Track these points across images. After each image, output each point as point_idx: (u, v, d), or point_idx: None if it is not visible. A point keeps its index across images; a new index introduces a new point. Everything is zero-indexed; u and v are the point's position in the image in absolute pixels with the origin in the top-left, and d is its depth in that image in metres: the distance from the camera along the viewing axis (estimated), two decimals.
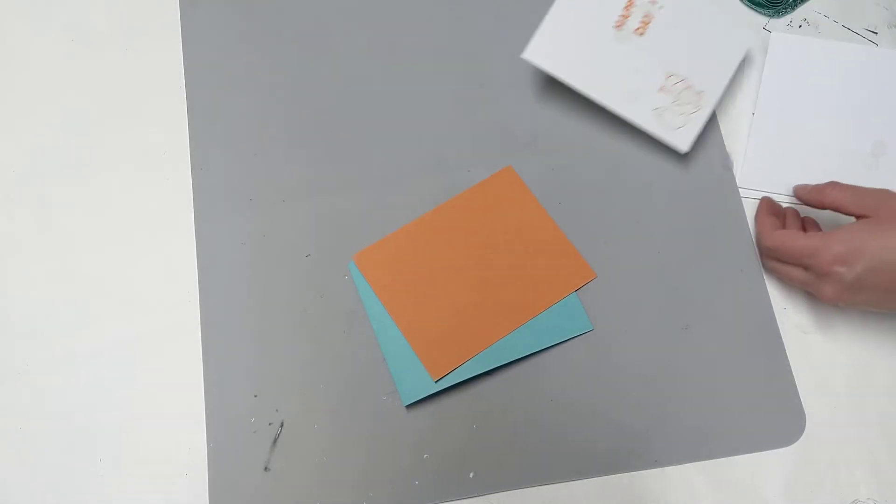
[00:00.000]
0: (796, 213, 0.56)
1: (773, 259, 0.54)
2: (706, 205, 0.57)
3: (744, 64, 0.59)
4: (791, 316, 0.55)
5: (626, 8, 0.55)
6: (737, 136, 0.59)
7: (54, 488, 0.51)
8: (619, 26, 0.55)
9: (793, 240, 0.51)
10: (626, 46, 0.55)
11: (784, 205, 0.57)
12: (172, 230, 0.57)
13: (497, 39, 0.62)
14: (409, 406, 0.52)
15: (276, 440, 0.51)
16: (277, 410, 0.52)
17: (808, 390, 0.53)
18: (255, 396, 0.52)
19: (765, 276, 0.56)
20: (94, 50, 0.62)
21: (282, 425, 0.52)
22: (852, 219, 0.51)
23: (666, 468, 0.51)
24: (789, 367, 0.54)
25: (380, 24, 0.62)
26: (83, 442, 0.52)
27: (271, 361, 0.53)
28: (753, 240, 0.57)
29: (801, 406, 0.53)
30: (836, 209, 0.52)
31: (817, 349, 0.54)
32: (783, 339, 0.54)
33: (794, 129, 0.59)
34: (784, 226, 0.54)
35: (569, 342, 0.54)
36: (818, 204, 0.53)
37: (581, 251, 0.56)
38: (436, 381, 0.51)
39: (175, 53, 0.61)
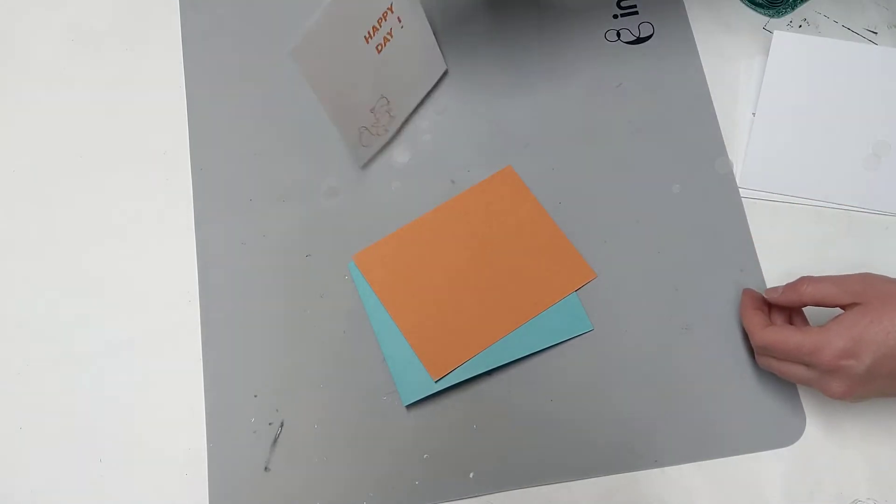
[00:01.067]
0: (780, 306, 0.52)
1: (767, 356, 0.50)
2: (706, 205, 0.57)
3: (439, 83, 0.60)
4: None
5: (379, 21, 0.51)
6: (737, 136, 0.59)
7: (54, 488, 0.51)
8: (367, 39, 0.51)
9: (788, 338, 0.48)
10: (367, 60, 0.52)
11: (784, 205, 0.57)
12: (172, 230, 0.57)
13: (495, 39, 0.62)
14: (409, 406, 0.52)
15: (276, 440, 0.51)
16: (277, 410, 0.52)
17: (808, 390, 0.53)
18: (255, 396, 0.52)
19: (764, 277, 0.56)
20: (94, 50, 0.62)
21: (282, 425, 0.52)
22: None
23: (666, 468, 0.51)
24: None
25: None
26: (83, 442, 0.52)
27: (271, 361, 0.53)
28: (753, 243, 0.57)
29: (801, 406, 0.53)
30: (818, 304, 0.49)
31: None
32: None
33: (795, 130, 0.59)
34: (771, 319, 0.52)
35: (569, 342, 0.54)
36: (797, 303, 0.50)
37: (581, 251, 0.56)
38: (436, 382, 0.51)
39: (175, 53, 0.61)
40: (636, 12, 0.63)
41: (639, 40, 0.62)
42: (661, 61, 0.61)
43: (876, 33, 0.62)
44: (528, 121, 0.60)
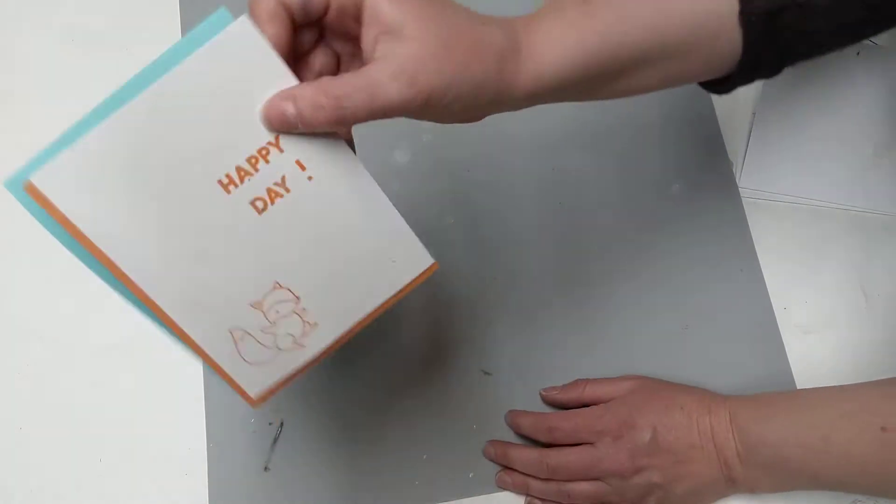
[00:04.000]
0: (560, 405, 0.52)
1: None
2: (706, 205, 0.57)
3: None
4: (791, 316, 0.55)
5: (253, 161, 0.32)
6: (737, 135, 0.59)
7: (54, 488, 0.51)
8: (227, 185, 0.31)
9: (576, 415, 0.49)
10: (225, 223, 0.32)
11: (784, 205, 0.57)
12: None
13: None
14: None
15: (276, 440, 0.51)
16: (277, 410, 0.52)
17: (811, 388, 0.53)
18: None
19: (764, 277, 0.56)
20: (94, 50, 0.62)
21: (282, 425, 0.52)
22: None
23: None
24: (789, 367, 0.53)
25: None
26: (83, 442, 0.52)
27: None
28: (753, 243, 0.57)
29: None
30: (596, 401, 0.50)
31: (817, 349, 0.54)
32: (783, 339, 0.54)
33: (796, 130, 0.59)
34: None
35: (569, 341, 0.54)
36: (577, 401, 0.50)
37: (581, 251, 0.56)
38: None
39: None
40: None
41: None
42: None
43: None
44: (529, 121, 0.60)
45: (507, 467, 0.50)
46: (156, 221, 0.31)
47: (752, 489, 0.47)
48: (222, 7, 0.30)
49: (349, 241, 0.35)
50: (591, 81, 0.38)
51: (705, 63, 0.40)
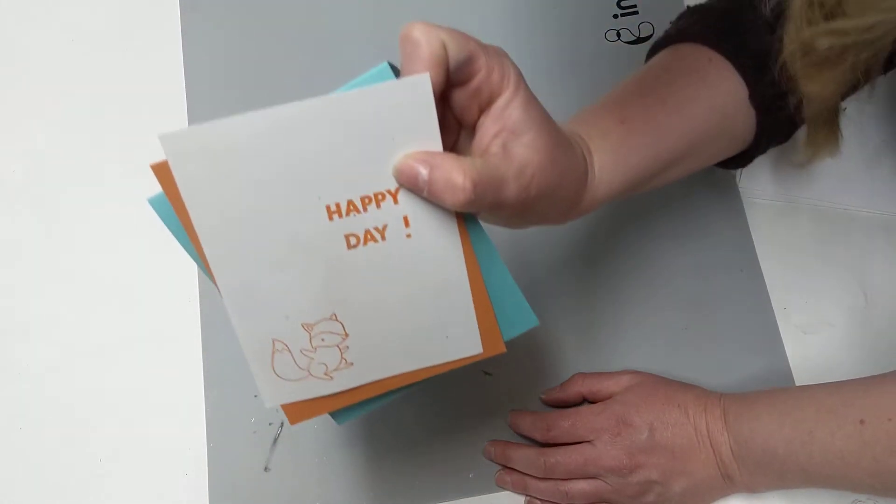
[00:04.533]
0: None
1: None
2: (706, 205, 0.57)
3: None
4: (791, 316, 0.55)
5: (365, 200, 0.32)
6: None
7: (54, 488, 0.51)
8: (332, 214, 0.32)
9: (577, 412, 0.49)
10: (315, 244, 0.33)
11: (784, 205, 0.57)
12: None
13: (497, 39, 0.62)
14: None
15: (276, 440, 0.51)
16: (277, 410, 0.52)
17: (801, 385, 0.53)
18: (255, 396, 0.52)
19: (764, 277, 0.56)
20: (94, 50, 0.62)
21: (282, 425, 0.52)
22: None
23: None
24: (789, 366, 0.53)
25: (380, 23, 0.62)
26: (83, 442, 0.52)
27: None
28: (753, 243, 0.57)
29: None
30: (594, 397, 0.50)
31: (817, 349, 0.54)
32: (783, 339, 0.54)
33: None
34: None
35: (569, 342, 0.54)
36: (576, 397, 0.51)
37: (581, 251, 0.56)
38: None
39: (175, 53, 0.61)
40: (636, 12, 0.63)
41: (639, 40, 0.62)
42: None
43: None
44: None
45: (506, 467, 0.50)
46: (255, 217, 0.32)
47: (749, 487, 0.47)
48: (385, 62, 0.32)
49: (414, 305, 0.35)
50: (635, 188, 0.43)
51: (728, 145, 0.46)
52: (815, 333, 0.55)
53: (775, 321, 0.55)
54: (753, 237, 0.57)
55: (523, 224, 0.39)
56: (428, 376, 0.37)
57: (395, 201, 0.32)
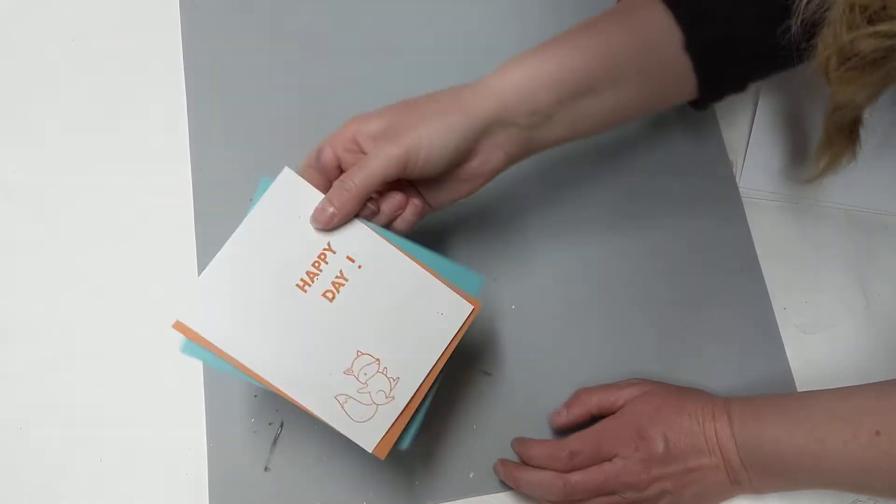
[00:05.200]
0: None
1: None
2: (706, 205, 0.57)
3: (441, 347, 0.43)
4: (791, 316, 0.55)
5: (316, 265, 0.42)
6: (737, 136, 0.59)
7: (54, 488, 0.51)
8: (303, 287, 0.42)
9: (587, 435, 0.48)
10: (309, 314, 0.42)
11: (784, 205, 0.57)
12: (172, 230, 0.57)
13: (496, 38, 0.62)
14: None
15: (276, 440, 0.51)
16: (277, 410, 0.52)
17: (807, 390, 0.53)
18: (255, 396, 0.52)
19: (764, 277, 0.56)
20: (94, 50, 0.62)
21: (282, 425, 0.52)
22: None
23: None
24: (789, 366, 0.53)
25: (379, 24, 0.62)
26: (83, 442, 0.52)
27: None
28: (753, 243, 0.57)
29: None
30: (602, 411, 0.50)
31: (817, 349, 0.54)
32: (783, 339, 0.54)
33: (796, 129, 0.59)
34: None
35: (569, 341, 0.54)
36: (585, 416, 0.50)
37: (580, 251, 0.56)
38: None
39: (175, 53, 0.61)
40: None
41: None
42: None
43: None
44: None
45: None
46: (261, 319, 0.41)
47: (757, 490, 0.47)
48: (264, 176, 0.43)
49: (403, 306, 0.43)
50: (551, 105, 0.44)
51: (666, 85, 0.46)
52: (815, 333, 0.55)
53: (775, 321, 0.55)
54: (753, 237, 0.57)
55: (438, 175, 0.44)
56: (449, 355, 0.43)
57: (333, 251, 0.42)
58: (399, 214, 0.44)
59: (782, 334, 0.54)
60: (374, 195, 0.43)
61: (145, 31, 0.62)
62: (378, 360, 0.42)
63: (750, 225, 0.57)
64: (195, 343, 0.41)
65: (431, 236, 0.56)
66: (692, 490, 0.46)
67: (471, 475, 0.51)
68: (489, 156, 0.44)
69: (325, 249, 0.42)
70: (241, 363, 0.41)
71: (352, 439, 0.41)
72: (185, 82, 0.61)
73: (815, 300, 0.55)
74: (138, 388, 0.53)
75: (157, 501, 0.50)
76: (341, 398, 0.41)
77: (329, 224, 0.42)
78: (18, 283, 0.56)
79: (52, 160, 0.59)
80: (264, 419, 0.52)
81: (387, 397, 0.42)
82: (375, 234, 0.43)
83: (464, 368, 0.53)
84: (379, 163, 0.41)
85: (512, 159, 0.45)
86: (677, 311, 0.55)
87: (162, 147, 0.59)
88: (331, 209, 0.42)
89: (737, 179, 0.58)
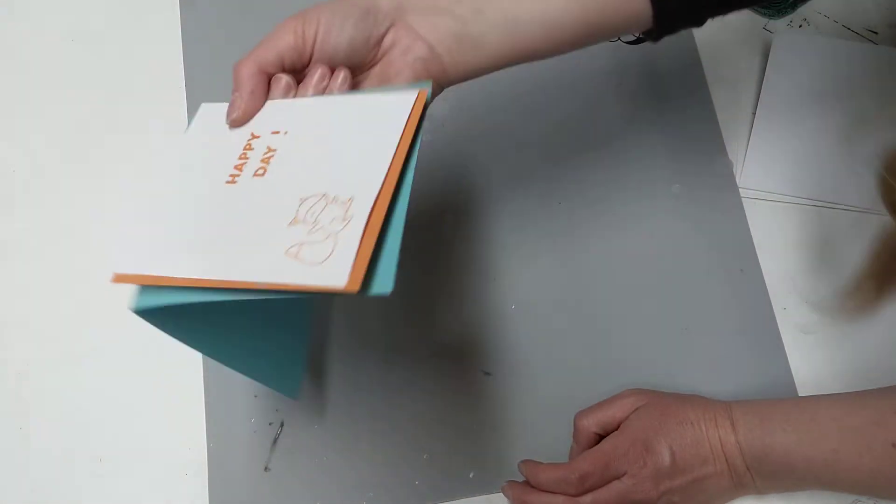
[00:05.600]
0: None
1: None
2: (706, 205, 0.57)
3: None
4: (791, 316, 0.55)
5: (242, 156, 0.39)
6: (737, 135, 0.59)
7: (54, 488, 0.51)
8: (233, 180, 0.38)
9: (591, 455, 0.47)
10: (244, 198, 0.38)
11: (784, 205, 0.57)
12: None
13: None
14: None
15: (276, 440, 0.51)
16: (277, 410, 0.52)
17: (808, 390, 0.53)
18: (255, 396, 0.52)
19: (764, 277, 0.56)
20: (94, 50, 0.62)
21: (282, 425, 0.52)
22: None
23: None
24: (789, 367, 0.53)
25: None
26: (83, 442, 0.52)
27: None
28: (753, 243, 0.56)
29: None
30: (605, 430, 0.49)
31: (817, 349, 0.54)
32: (783, 339, 0.54)
33: (796, 129, 0.59)
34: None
35: (569, 341, 0.54)
36: (593, 439, 0.49)
37: (580, 251, 0.56)
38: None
39: (175, 53, 0.61)
40: None
41: (639, 40, 0.62)
42: (661, 61, 0.61)
43: (876, 33, 0.62)
44: (528, 121, 0.60)
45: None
46: (202, 234, 0.37)
47: (760, 492, 0.47)
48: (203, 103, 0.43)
49: (339, 137, 0.39)
50: (505, 27, 0.41)
51: (616, 11, 0.42)
52: (815, 333, 0.55)
53: (775, 321, 0.55)
54: (753, 237, 0.57)
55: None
56: (404, 156, 0.37)
57: (257, 136, 0.40)
58: (325, 86, 0.40)
59: (782, 334, 0.54)
60: (290, 77, 0.40)
61: (145, 31, 0.62)
62: (324, 194, 0.36)
63: (750, 225, 0.57)
64: (145, 293, 0.36)
65: (431, 237, 0.56)
66: (698, 499, 0.46)
67: (471, 475, 0.51)
68: (411, 44, 0.40)
69: (249, 140, 0.40)
70: (187, 279, 0.35)
71: (320, 287, 0.33)
72: (185, 82, 0.61)
73: (815, 300, 0.55)
74: (138, 388, 0.53)
75: (157, 501, 0.50)
76: (293, 250, 0.34)
77: (236, 111, 0.40)
78: (18, 283, 0.56)
79: (52, 160, 0.59)
80: (264, 419, 0.52)
81: (343, 220, 0.35)
82: (297, 100, 0.40)
83: (464, 368, 0.53)
84: (272, 34, 0.41)
85: (448, 53, 0.41)
86: (677, 311, 0.55)
87: (162, 147, 0.59)
88: (234, 96, 0.40)
89: (737, 179, 0.58)
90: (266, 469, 0.51)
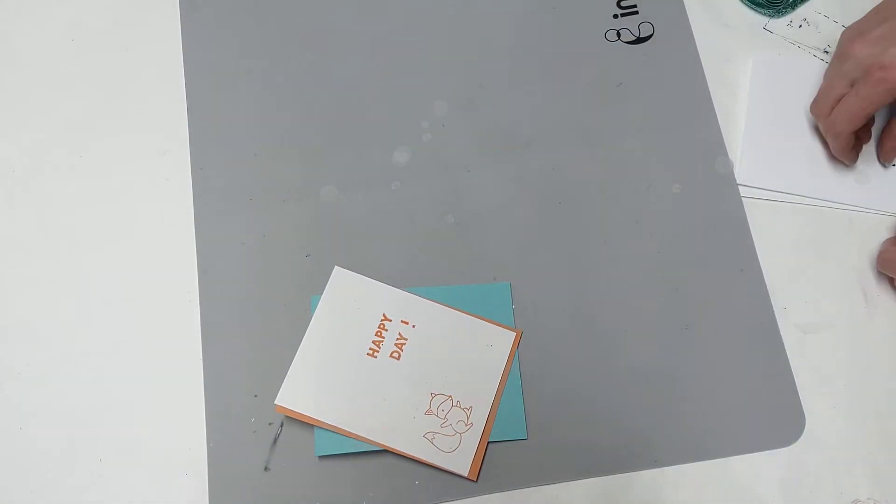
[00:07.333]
0: None
1: None
2: (706, 205, 0.57)
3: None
4: (791, 316, 0.55)
5: (378, 333, 0.51)
6: (737, 135, 0.59)
7: (54, 488, 0.51)
8: (373, 354, 0.51)
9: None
10: (384, 374, 0.51)
11: (784, 205, 0.57)
12: (172, 230, 0.57)
13: (496, 39, 0.62)
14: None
15: (276, 440, 0.51)
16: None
17: (808, 390, 0.53)
18: (255, 396, 0.52)
19: (764, 277, 0.56)
20: (94, 50, 0.62)
21: (282, 425, 0.52)
22: None
23: (665, 468, 0.51)
24: (789, 367, 0.54)
25: (379, 24, 0.62)
26: (83, 442, 0.52)
27: (271, 361, 0.53)
28: (753, 243, 0.57)
29: (801, 406, 0.53)
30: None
31: (817, 349, 0.54)
32: (783, 339, 0.54)
33: (796, 129, 0.59)
34: None
35: (568, 341, 0.54)
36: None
37: (580, 251, 0.56)
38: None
39: (175, 53, 0.61)
40: (636, 12, 0.63)
41: (639, 40, 0.62)
42: (661, 61, 0.61)
43: None
44: (529, 121, 0.60)
45: None
46: (351, 393, 0.50)
47: None
48: (336, 266, 0.53)
49: (458, 348, 0.52)
50: None
51: None
52: (815, 333, 0.55)
53: (775, 321, 0.55)
54: (753, 237, 0.57)
55: None
56: (506, 377, 0.52)
57: (389, 320, 0.52)
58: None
59: (782, 334, 0.54)
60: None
61: (145, 31, 0.62)
62: (450, 396, 0.51)
63: (750, 225, 0.57)
64: (324, 440, 0.50)
65: (431, 237, 0.56)
66: None
67: None
68: None
69: (382, 320, 0.52)
70: (343, 430, 0.49)
71: (448, 469, 0.49)
72: (185, 82, 0.61)
73: (815, 300, 0.55)
74: (138, 388, 0.53)
75: (157, 501, 0.50)
76: (429, 435, 0.50)
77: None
78: (19, 283, 0.56)
79: (52, 160, 0.59)
80: (264, 419, 0.52)
81: (466, 425, 0.50)
82: (418, 297, 0.53)
83: None
84: (857, 98, 0.48)
85: None
86: (677, 311, 0.55)
87: (162, 147, 0.59)
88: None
89: (737, 179, 0.58)
90: (266, 469, 0.51)
